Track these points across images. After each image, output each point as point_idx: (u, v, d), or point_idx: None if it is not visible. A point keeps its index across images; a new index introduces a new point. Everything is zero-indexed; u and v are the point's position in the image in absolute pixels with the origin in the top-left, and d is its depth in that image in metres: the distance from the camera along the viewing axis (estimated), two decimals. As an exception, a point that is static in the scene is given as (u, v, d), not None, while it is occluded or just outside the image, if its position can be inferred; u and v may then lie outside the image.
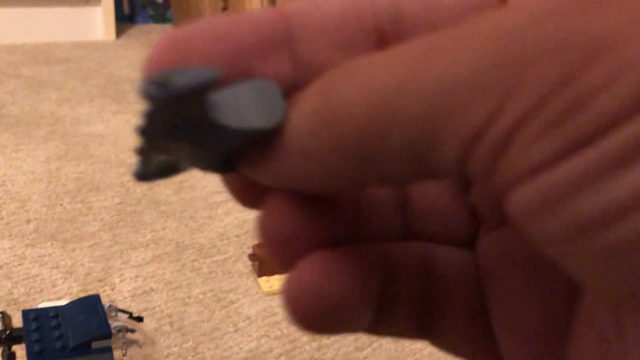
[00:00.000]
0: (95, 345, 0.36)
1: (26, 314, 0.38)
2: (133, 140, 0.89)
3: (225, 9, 1.23)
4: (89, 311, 0.38)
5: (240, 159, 0.12)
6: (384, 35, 0.13)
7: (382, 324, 0.15)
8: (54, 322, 0.37)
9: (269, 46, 0.13)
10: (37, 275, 0.56)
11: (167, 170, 0.13)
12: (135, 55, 1.46)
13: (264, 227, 0.13)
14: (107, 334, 0.36)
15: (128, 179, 0.77)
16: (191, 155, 0.12)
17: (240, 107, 0.11)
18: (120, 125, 0.95)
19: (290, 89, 0.13)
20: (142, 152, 0.12)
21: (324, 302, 0.13)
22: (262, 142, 0.12)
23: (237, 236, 0.65)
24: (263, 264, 0.57)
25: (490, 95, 0.09)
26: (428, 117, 0.10)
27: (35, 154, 0.82)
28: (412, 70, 0.10)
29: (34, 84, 1.12)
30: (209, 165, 0.12)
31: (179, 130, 0.11)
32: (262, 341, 0.50)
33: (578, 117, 0.09)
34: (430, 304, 0.15)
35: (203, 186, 0.76)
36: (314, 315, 0.13)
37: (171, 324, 0.51)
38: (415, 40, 0.10)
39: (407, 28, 0.13)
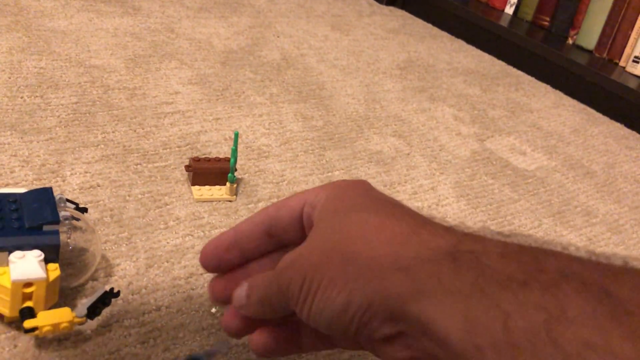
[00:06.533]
0: (45, 228, 0.45)
1: (-10, 196, 0.47)
2: (94, 42, 0.95)
3: None
4: (43, 200, 0.47)
5: None
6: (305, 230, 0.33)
7: (301, 348, 0.36)
8: (13, 206, 0.46)
9: (268, 234, 0.34)
10: (-3, 161, 0.64)
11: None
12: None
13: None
14: (56, 220, 0.46)
15: (85, 79, 0.84)
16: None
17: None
18: (83, 24, 1.00)
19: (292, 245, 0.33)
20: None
21: (263, 351, 0.35)
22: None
23: (179, 147, 0.74)
24: (196, 175, 0.67)
25: (353, 309, 0.27)
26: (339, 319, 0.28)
27: (-1, 43, 0.87)
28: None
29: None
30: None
31: None
32: (187, 239, 0.60)
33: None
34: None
35: (154, 95, 0.84)
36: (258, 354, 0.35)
37: (111, 216, 0.60)
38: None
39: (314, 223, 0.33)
